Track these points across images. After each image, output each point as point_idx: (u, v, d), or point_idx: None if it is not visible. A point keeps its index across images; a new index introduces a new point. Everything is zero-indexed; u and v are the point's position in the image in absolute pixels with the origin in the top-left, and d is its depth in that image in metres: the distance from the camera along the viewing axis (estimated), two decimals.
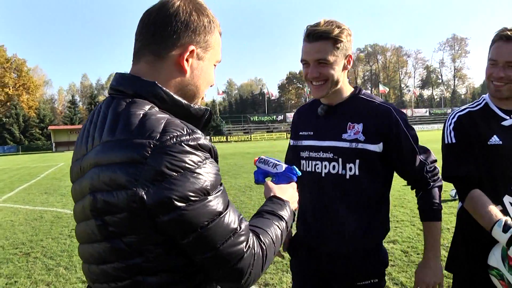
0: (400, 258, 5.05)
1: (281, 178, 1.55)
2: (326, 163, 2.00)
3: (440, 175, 2.06)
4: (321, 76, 1.91)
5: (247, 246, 1.09)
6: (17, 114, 68.49)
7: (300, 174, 1.59)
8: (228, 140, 61.10)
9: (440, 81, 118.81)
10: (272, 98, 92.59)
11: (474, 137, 2.09)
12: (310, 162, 2.06)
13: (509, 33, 1.97)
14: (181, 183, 1.00)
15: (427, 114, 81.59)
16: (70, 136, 63.43)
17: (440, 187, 2.04)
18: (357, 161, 1.94)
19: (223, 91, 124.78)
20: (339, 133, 1.98)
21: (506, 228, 1.84)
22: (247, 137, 63.05)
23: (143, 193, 0.99)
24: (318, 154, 2.04)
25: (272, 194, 1.38)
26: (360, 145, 1.93)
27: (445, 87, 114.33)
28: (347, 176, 1.95)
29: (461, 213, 2.23)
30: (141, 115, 1.06)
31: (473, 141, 2.09)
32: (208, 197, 1.04)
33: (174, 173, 1.00)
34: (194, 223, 1.01)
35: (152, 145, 1.00)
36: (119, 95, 1.17)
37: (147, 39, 1.19)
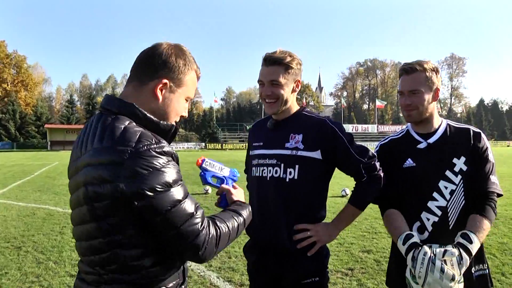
0: (372, 266, 5.34)
1: (228, 180, 1.86)
2: (271, 168, 2.29)
3: (378, 170, 2.29)
4: (273, 95, 2.25)
5: (202, 227, 1.43)
6: (14, 110, 68.58)
7: (239, 175, 1.93)
8: (223, 147, 61.34)
9: None
10: None
11: (391, 163, 2.35)
12: (258, 168, 2.36)
13: (406, 67, 2.28)
14: (150, 178, 1.33)
15: None
16: (66, 135, 63.24)
17: (375, 182, 2.29)
18: (297, 166, 2.22)
19: (221, 98, 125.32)
20: (283, 142, 2.29)
21: (405, 240, 2.10)
22: (242, 146, 63.17)
23: (123, 186, 1.32)
24: (265, 161, 2.33)
25: (236, 199, 1.79)
26: (299, 153, 2.23)
27: (442, 105, 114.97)
28: (287, 179, 2.23)
29: None
30: (122, 129, 1.40)
31: (390, 166, 2.34)
32: (171, 188, 1.38)
33: (145, 171, 1.33)
34: (160, 208, 1.35)
35: (129, 151, 1.34)
36: (106, 112, 1.51)
37: (137, 69, 1.57)
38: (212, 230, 1.47)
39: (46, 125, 64.85)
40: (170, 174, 1.39)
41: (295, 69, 2.26)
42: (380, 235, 6.93)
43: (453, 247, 2.00)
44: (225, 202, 1.80)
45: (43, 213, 9.00)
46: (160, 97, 1.55)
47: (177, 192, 1.40)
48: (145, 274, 1.43)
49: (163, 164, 1.38)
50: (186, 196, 1.43)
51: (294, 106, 2.38)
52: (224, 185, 1.83)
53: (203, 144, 63.96)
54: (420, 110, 2.28)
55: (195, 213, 1.43)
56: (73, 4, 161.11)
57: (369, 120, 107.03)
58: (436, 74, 2.27)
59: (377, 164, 2.30)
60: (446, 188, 2.23)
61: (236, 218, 1.63)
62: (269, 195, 2.27)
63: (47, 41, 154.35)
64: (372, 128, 78.53)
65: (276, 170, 2.27)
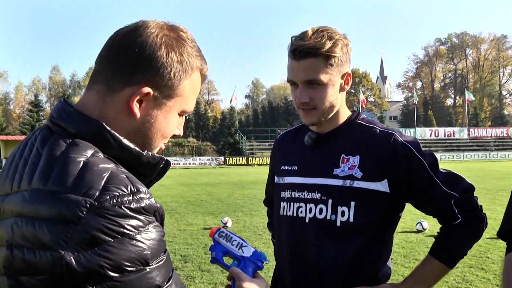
0: None
1: (247, 264, 1.76)
2: (312, 205, 2.18)
3: (479, 209, 2.18)
4: (312, 102, 2.11)
5: None
6: None
7: (268, 262, 1.80)
8: (249, 163, 61.41)
9: None
10: None
11: None
12: (292, 204, 2.25)
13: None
14: (117, 250, 1.15)
15: None
16: None
17: (475, 226, 2.17)
18: (352, 203, 2.11)
19: (245, 95, 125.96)
20: (330, 167, 2.18)
21: None
22: None
23: (72, 258, 1.12)
24: (302, 194, 2.22)
25: None
26: (356, 183, 2.11)
27: None
28: (338, 223, 2.12)
29: None
30: (81, 164, 1.23)
31: None
32: (147, 267, 1.20)
33: (110, 239, 1.15)
34: None
35: (88, 205, 1.15)
36: (58, 131, 1.33)
37: (104, 64, 1.38)
38: None
39: (0, 137, 66.27)
40: (148, 244, 1.21)
41: (339, 56, 2.09)
42: None
43: None
44: None
45: None
46: (138, 114, 1.37)
47: (155, 273, 1.22)
48: None
49: (139, 229, 1.20)
50: (169, 278, 1.27)
51: (343, 112, 2.27)
52: (235, 268, 1.73)
53: (222, 158, 64.05)
54: None
55: None
56: None
57: (455, 121, 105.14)
58: None
59: (477, 199, 2.19)
60: None
61: None
62: (309, 244, 2.19)
63: (2, 27, 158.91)
64: (460, 132, 76.57)
65: (321, 209, 2.16)
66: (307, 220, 2.18)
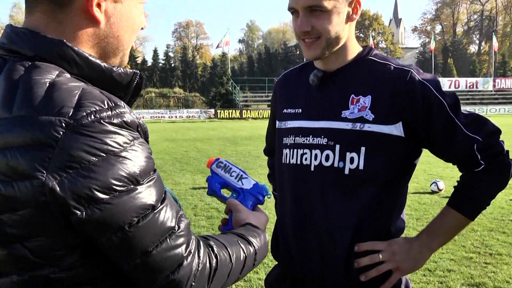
0: None
1: (247, 197, 1.81)
2: (318, 151, 2.19)
3: (505, 154, 2.17)
4: (314, 31, 2.08)
5: (188, 251, 1.31)
6: None
7: (270, 196, 1.85)
8: (243, 116, 61.45)
9: None
10: None
11: None
12: (295, 150, 2.27)
13: None
14: (103, 169, 1.18)
15: None
16: None
17: (499, 173, 2.17)
18: (363, 149, 2.12)
19: (239, 40, 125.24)
20: (338, 109, 2.18)
21: None
22: None
23: (55, 183, 1.15)
24: (306, 140, 2.23)
25: (246, 221, 1.70)
26: (366, 127, 2.12)
27: None
28: (346, 171, 2.14)
29: None
30: (47, 85, 1.23)
31: None
32: (138, 186, 1.24)
33: (94, 158, 1.17)
34: (120, 219, 1.21)
35: (64, 124, 1.16)
36: (12, 57, 1.32)
37: None
38: (204, 258, 1.36)
39: None
40: (136, 161, 1.25)
41: None
42: (501, 259, 6.70)
43: None
44: (232, 226, 1.77)
45: None
46: (102, 18, 1.38)
47: (148, 193, 1.26)
48: None
49: (124, 145, 1.23)
50: (162, 198, 1.31)
51: (353, 47, 2.26)
52: (232, 200, 1.79)
53: (212, 111, 64.07)
54: None
55: (176, 227, 1.31)
56: None
57: (479, 70, 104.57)
58: None
59: (503, 143, 2.19)
60: None
61: (243, 245, 1.54)
62: (315, 194, 2.21)
63: None
64: (484, 83, 75.40)
65: (328, 156, 2.17)
66: (312, 168, 2.20)
